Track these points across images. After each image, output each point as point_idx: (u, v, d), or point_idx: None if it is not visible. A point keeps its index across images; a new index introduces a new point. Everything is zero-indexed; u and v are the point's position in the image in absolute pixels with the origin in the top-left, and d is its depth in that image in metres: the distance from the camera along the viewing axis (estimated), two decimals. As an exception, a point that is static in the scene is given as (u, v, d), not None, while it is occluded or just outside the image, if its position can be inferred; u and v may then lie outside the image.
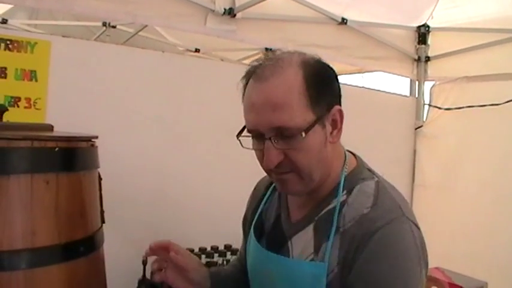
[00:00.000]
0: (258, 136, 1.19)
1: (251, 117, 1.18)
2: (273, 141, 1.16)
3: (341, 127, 1.23)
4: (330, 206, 1.25)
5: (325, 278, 1.18)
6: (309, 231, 1.27)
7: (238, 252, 1.73)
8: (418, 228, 1.21)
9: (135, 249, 2.21)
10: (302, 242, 1.27)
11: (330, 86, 1.22)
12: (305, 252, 1.25)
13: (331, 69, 1.25)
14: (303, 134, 1.14)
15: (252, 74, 1.21)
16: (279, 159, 1.17)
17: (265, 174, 1.34)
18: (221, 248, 2.33)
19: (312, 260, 1.22)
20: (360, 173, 1.29)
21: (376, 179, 1.28)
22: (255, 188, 1.58)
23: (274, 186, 1.46)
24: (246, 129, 1.23)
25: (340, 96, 1.25)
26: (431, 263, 3.07)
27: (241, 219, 1.63)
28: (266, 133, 1.16)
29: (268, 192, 1.49)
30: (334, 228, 1.20)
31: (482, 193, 3.27)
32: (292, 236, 1.31)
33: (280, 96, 1.14)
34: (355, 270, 1.15)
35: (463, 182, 3.40)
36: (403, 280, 1.13)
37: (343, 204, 1.23)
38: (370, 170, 1.32)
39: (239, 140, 1.23)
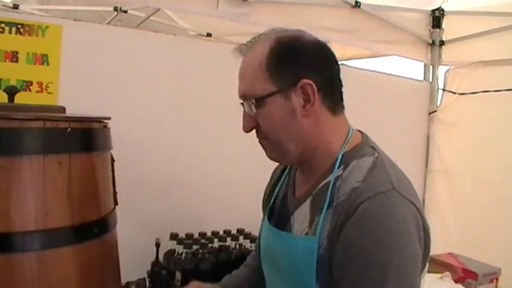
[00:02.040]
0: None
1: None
2: (244, 107, 1.29)
3: (314, 101, 1.25)
4: (326, 181, 1.26)
5: (317, 252, 1.19)
6: (307, 205, 1.30)
7: (255, 244, 1.73)
8: (415, 206, 1.17)
9: (148, 232, 2.22)
10: (301, 216, 1.31)
11: (297, 59, 1.25)
12: (301, 227, 1.28)
13: (313, 43, 1.29)
14: (254, 101, 1.24)
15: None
16: (251, 124, 1.29)
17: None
18: (234, 232, 2.32)
19: (306, 234, 1.25)
20: (360, 149, 1.29)
21: (376, 155, 1.27)
22: (273, 171, 1.60)
23: (289, 168, 1.50)
24: None
25: (314, 68, 1.26)
26: (446, 248, 3.06)
27: (255, 204, 1.64)
28: (240, 100, 1.30)
29: (284, 175, 1.51)
30: (327, 202, 1.21)
31: (498, 179, 3.23)
32: (294, 211, 1.34)
33: (244, 68, 1.27)
34: (339, 244, 1.15)
35: (480, 168, 3.36)
36: (386, 257, 1.10)
37: (338, 178, 1.24)
38: (374, 147, 1.31)
39: (242, 105, 1.32)
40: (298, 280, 1.25)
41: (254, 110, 1.25)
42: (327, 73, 1.28)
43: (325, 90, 1.26)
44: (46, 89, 2.23)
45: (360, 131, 1.37)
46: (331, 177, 1.25)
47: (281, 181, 1.51)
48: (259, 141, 1.34)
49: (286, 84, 1.23)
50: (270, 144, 1.30)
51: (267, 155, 1.36)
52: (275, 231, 1.37)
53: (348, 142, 1.30)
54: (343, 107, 1.33)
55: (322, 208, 1.22)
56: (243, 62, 1.29)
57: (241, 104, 1.30)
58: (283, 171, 1.53)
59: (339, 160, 1.27)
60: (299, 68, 1.24)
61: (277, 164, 1.55)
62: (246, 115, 1.30)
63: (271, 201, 1.49)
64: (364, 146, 1.30)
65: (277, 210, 1.45)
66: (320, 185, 1.28)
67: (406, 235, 1.12)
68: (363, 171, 1.21)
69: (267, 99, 1.24)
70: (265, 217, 1.48)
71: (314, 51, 1.28)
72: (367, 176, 1.20)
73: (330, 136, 1.30)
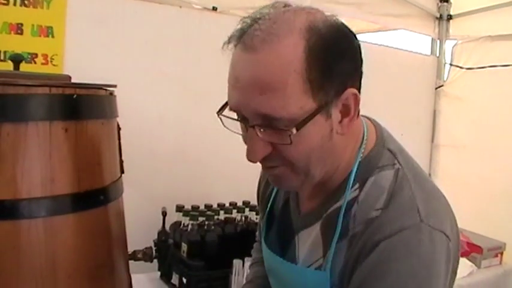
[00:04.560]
0: (242, 119, 0.95)
1: (234, 95, 0.93)
2: (258, 130, 0.91)
3: (354, 115, 0.95)
4: (338, 204, 1.03)
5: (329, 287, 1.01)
6: (317, 229, 1.07)
7: (257, 235, 1.52)
8: (446, 236, 0.95)
9: (153, 203, 2.23)
10: (309, 241, 1.09)
11: (344, 62, 0.92)
12: (313, 256, 1.07)
13: (350, 34, 0.95)
14: (294, 131, 0.88)
15: (239, 38, 0.93)
16: (265, 152, 0.94)
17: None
18: (240, 204, 2.33)
19: (320, 265, 1.04)
20: (377, 156, 1.03)
21: (396, 166, 1.01)
22: None
23: None
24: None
25: (358, 72, 0.97)
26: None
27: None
28: (250, 119, 0.92)
29: None
30: (337, 233, 1.00)
31: (505, 153, 3.22)
32: (300, 231, 1.12)
33: (271, 75, 0.87)
34: (352, 285, 0.96)
35: (487, 142, 3.36)
36: None
37: (353, 201, 1.00)
38: (391, 150, 1.05)
39: (220, 118, 0.98)
40: None
41: (290, 139, 0.89)
42: (361, 69, 0.98)
43: (360, 95, 0.96)
44: (51, 61, 2.23)
45: (370, 120, 1.13)
46: (342, 201, 1.01)
47: None
48: (269, 172, 1.01)
49: (330, 97, 0.91)
50: (292, 173, 0.98)
51: (281, 187, 1.11)
52: (276, 258, 1.17)
53: (363, 146, 1.05)
54: None
55: (332, 240, 1.01)
56: (257, 62, 0.88)
57: (252, 127, 0.92)
58: None
59: (352, 177, 1.02)
60: (345, 72, 0.93)
61: None
62: (256, 139, 0.91)
63: (269, 205, 1.25)
64: (381, 150, 1.04)
65: (278, 220, 1.22)
66: (331, 209, 1.04)
67: (434, 278, 0.93)
68: (383, 195, 0.97)
69: (307, 123, 0.89)
70: (263, 234, 1.26)
71: (354, 44, 0.96)
72: (388, 201, 0.96)
73: (351, 145, 1.04)
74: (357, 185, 1.01)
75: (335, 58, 0.90)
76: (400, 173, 1.00)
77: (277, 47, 0.86)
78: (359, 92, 0.96)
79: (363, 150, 1.03)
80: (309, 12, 0.92)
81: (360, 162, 1.02)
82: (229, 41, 0.95)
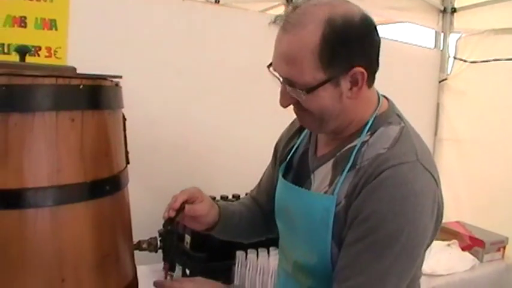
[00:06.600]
0: (279, 75, 1.25)
1: (273, 59, 1.25)
2: (286, 86, 1.23)
3: (362, 85, 1.22)
4: (352, 144, 1.29)
5: (334, 210, 1.23)
6: (329, 165, 1.32)
7: (257, 185, 1.73)
8: (435, 180, 1.21)
9: (157, 195, 2.23)
10: (321, 175, 1.33)
11: (352, 46, 1.18)
12: (321, 186, 1.31)
13: (365, 26, 1.20)
14: (305, 93, 1.19)
15: (282, 19, 1.23)
16: (290, 101, 1.26)
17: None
18: (242, 196, 2.33)
19: (325, 192, 1.28)
20: (388, 116, 1.30)
21: (402, 124, 1.28)
22: (292, 123, 1.60)
23: None
24: None
25: (367, 55, 1.22)
26: (455, 217, 3.07)
27: (263, 168, 1.69)
28: (281, 78, 1.24)
29: (303, 130, 1.51)
30: (349, 165, 1.24)
31: (508, 147, 3.23)
32: (315, 170, 1.37)
33: (293, 51, 1.18)
34: (355, 203, 1.20)
35: (490, 136, 3.37)
36: (397, 225, 1.14)
37: (364, 143, 1.26)
38: (399, 115, 1.32)
39: (270, 70, 1.27)
40: (313, 236, 1.28)
41: (303, 97, 1.21)
42: (375, 55, 1.24)
43: (370, 71, 1.23)
44: (55, 54, 2.24)
45: (385, 96, 1.37)
46: (357, 142, 1.27)
47: (301, 137, 1.50)
48: (296, 112, 1.31)
49: (338, 72, 1.19)
50: (310, 118, 1.27)
51: (304, 125, 1.39)
52: (292, 187, 1.39)
53: (378, 108, 1.30)
54: (375, 77, 1.29)
55: (344, 170, 1.25)
56: (286, 40, 1.19)
57: (280, 80, 1.25)
58: (302, 127, 1.51)
59: (368, 126, 1.27)
60: (352, 55, 1.19)
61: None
62: (285, 92, 1.25)
63: (288, 157, 1.50)
64: (391, 113, 1.31)
65: (295, 167, 1.46)
66: (345, 148, 1.30)
67: (421, 207, 1.16)
68: (389, 139, 1.23)
69: (317, 89, 1.19)
70: (280, 174, 1.48)
71: (366, 34, 1.21)
72: (393, 144, 1.22)
73: (365, 108, 1.29)
74: (368, 133, 1.27)
75: (345, 42, 1.17)
76: (404, 129, 1.27)
77: (301, 32, 1.16)
78: (368, 68, 1.21)
79: (377, 111, 1.29)
80: (332, 6, 1.18)
81: (375, 117, 1.28)
82: (275, 20, 1.23)
